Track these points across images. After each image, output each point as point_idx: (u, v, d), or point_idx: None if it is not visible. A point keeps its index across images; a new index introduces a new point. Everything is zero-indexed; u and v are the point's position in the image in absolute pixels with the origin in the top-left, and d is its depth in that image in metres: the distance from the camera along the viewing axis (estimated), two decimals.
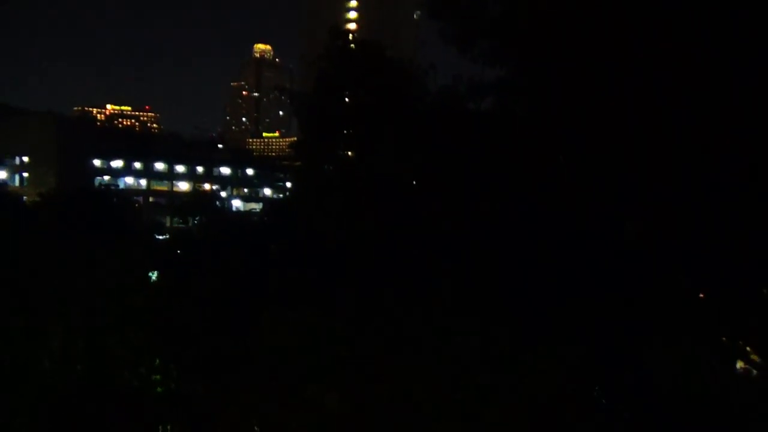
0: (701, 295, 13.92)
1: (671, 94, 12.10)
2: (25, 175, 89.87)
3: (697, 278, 13.48)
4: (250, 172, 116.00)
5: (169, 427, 17.49)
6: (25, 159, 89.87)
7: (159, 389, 17.30)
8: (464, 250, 14.02)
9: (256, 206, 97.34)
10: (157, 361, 17.52)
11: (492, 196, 14.12)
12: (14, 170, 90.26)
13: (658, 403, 12.40)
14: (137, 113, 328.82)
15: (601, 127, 13.12)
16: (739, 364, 14.22)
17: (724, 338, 13.99)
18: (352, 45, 18.35)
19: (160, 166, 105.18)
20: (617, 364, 12.60)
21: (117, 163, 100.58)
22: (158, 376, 17.56)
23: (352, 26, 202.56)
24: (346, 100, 17.63)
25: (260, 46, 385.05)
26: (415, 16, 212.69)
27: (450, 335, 11.73)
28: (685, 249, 12.48)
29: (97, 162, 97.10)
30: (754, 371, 13.62)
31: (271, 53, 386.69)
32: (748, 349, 13.80)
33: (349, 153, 19.23)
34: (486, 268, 13.39)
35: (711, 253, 12.46)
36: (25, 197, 63.31)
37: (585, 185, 13.08)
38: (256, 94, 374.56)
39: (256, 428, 14.30)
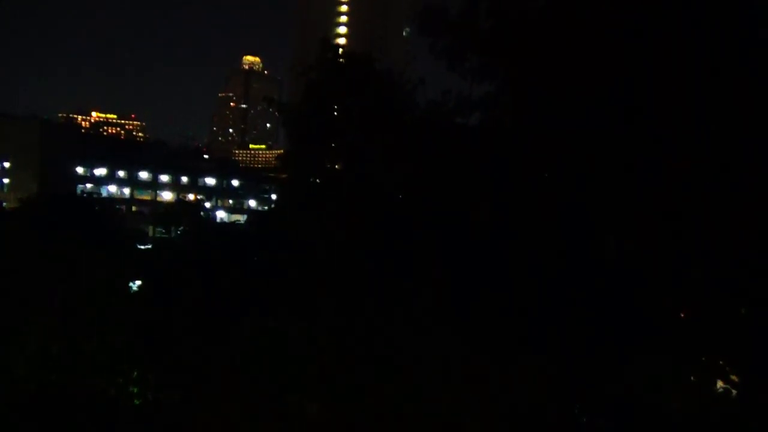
0: (681, 315, 14.07)
1: (658, 112, 12.34)
2: (6, 180, 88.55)
3: (677, 296, 13.64)
4: (235, 183, 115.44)
5: None
6: (6, 164, 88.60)
7: (136, 401, 16.98)
8: (447, 261, 14.06)
9: (241, 218, 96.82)
10: (135, 372, 17.21)
11: (477, 209, 14.21)
12: None
13: (637, 420, 12.45)
14: (122, 121, 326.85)
15: (586, 143, 13.31)
16: (719, 384, 14.35)
17: (703, 357, 14.13)
18: (342, 58, 18.47)
19: (144, 175, 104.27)
20: (597, 380, 12.65)
21: (100, 171, 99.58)
22: (135, 389, 17.24)
23: (342, 40, 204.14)
24: (335, 111, 17.70)
25: (249, 58, 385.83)
26: (404, 33, 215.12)
27: (431, 346, 11.71)
28: (666, 267, 12.64)
29: (80, 169, 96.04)
30: (734, 391, 13.74)
31: (260, 65, 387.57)
32: (727, 369, 13.93)
33: (336, 166, 19.24)
34: (469, 279, 13.43)
35: (691, 272, 12.64)
36: (4, 203, 62.31)
37: (569, 200, 13.22)
38: (243, 106, 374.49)
39: None
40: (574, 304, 12.84)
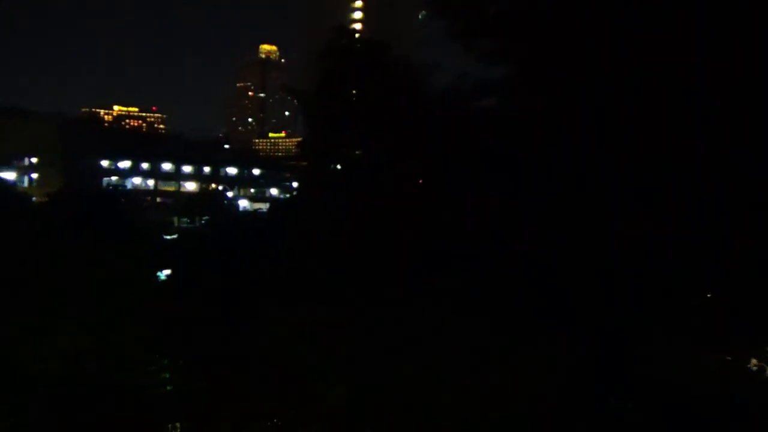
0: (711, 293, 13.84)
1: (681, 91, 12.06)
2: (34, 176, 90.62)
3: (705, 276, 13.43)
4: (256, 172, 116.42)
5: (177, 424, 17.60)
6: (34, 160, 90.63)
7: (168, 387, 17.42)
8: (466, 248, 14.04)
9: (263, 206, 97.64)
10: (165, 360, 17.64)
11: (495, 193, 14.13)
12: (23, 171, 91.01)
13: (666, 402, 12.33)
14: (144, 114, 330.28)
15: (606, 124, 13.10)
16: (753, 362, 14.08)
17: (735, 336, 13.88)
18: (357, 44, 18.41)
19: (167, 166, 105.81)
20: (621, 363, 12.57)
21: (124, 164, 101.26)
22: (167, 374, 17.68)
23: (357, 26, 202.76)
24: (352, 98, 17.70)
25: (266, 47, 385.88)
26: (419, 17, 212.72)
27: (453, 331, 11.75)
28: (693, 247, 12.43)
29: (104, 162, 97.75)
30: None
31: (277, 54, 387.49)
32: (761, 346, 13.66)
33: (356, 152, 19.29)
34: (490, 264, 13.40)
35: (719, 251, 12.41)
36: (33, 197, 63.77)
37: (589, 183, 13.05)
38: (261, 95, 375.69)
39: (267, 423, 14.38)
40: (600, 286, 12.74)
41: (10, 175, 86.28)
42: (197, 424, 16.57)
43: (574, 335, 11.91)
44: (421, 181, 16.86)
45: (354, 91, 17.76)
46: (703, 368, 12.66)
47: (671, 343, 12.66)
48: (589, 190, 12.96)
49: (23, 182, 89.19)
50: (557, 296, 12.57)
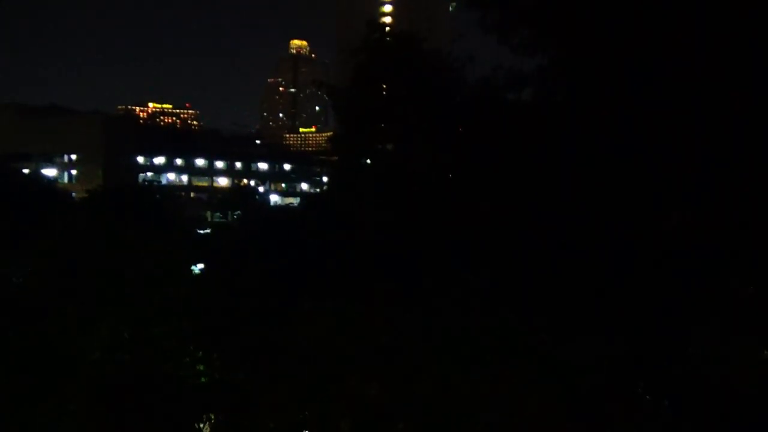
0: (752, 288, 13.41)
1: (724, 79, 11.66)
2: (74, 172, 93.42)
3: (749, 270, 13.01)
4: (287, 167, 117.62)
5: (212, 415, 17.94)
6: (74, 157, 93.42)
7: (203, 379, 17.76)
8: (503, 241, 13.87)
9: (294, 201, 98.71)
10: (200, 352, 17.97)
11: (532, 186, 13.91)
12: (64, 168, 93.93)
13: (705, 399, 12.02)
14: (178, 111, 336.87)
15: (645, 115, 12.76)
16: None
17: None
18: (389, 38, 18.31)
19: (200, 162, 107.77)
20: (663, 359, 12.27)
21: (159, 160, 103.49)
22: (202, 366, 18.03)
23: (387, 20, 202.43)
24: (384, 92, 17.62)
25: (296, 42, 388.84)
26: (450, 8, 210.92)
27: (489, 326, 11.65)
28: (736, 240, 12.04)
29: (140, 159, 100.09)
30: None
31: (307, 49, 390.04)
32: None
33: (388, 146, 19.22)
34: (527, 258, 13.22)
35: (762, 244, 12.00)
36: (74, 193, 65.76)
37: (629, 174, 12.74)
38: (292, 90, 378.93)
39: (300, 416, 14.54)
40: (638, 281, 12.46)
41: (51, 172, 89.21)
42: (231, 415, 16.86)
43: (612, 332, 11.67)
44: (453, 175, 16.72)
45: (386, 86, 17.67)
46: (743, 364, 12.29)
47: (711, 339, 12.32)
48: (627, 182, 12.66)
49: (64, 178, 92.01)
50: (596, 291, 12.33)
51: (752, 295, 13.29)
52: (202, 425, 17.78)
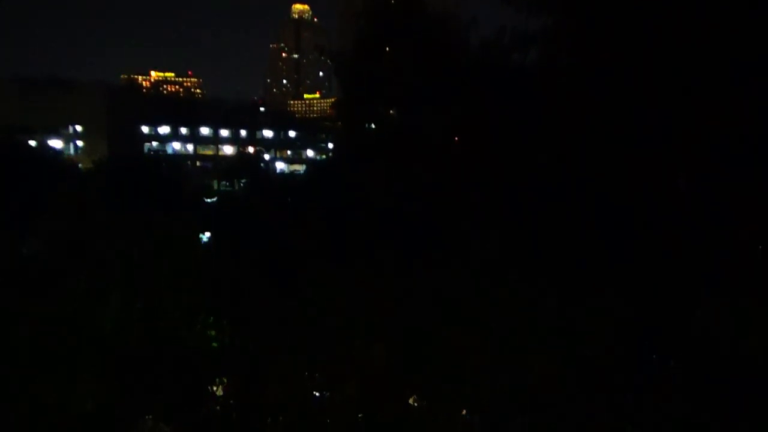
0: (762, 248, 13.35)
1: (734, 38, 11.39)
2: (79, 143, 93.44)
3: (757, 231, 12.93)
4: (292, 134, 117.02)
5: (225, 380, 18.30)
6: (78, 128, 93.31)
7: (214, 344, 18.06)
8: (509, 205, 13.85)
9: (300, 168, 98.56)
10: (211, 318, 18.23)
11: (539, 148, 13.79)
12: (69, 139, 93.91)
13: (713, 362, 12.10)
14: (180, 79, 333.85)
15: (654, 77, 12.52)
16: None
17: None
18: (392, 1, 17.94)
19: (205, 131, 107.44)
20: (670, 321, 12.33)
21: (164, 129, 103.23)
22: (213, 332, 18.30)
23: None
24: (387, 57, 17.35)
25: (298, 7, 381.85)
26: None
27: (496, 288, 11.73)
28: (741, 200, 11.95)
29: (145, 129, 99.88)
30: None
31: (310, 13, 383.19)
32: None
33: (391, 111, 19.03)
34: (534, 221, 13.21)
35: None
36: (80, 165, 65.94)
37: (637, 136, 12.59)
38: (295, 56, 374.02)
39: (310, 379, 14.83)
40: (647, 243, 12.43)
41: (57, 144, 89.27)
42: (242, 379, 17.20)
43: (621, 293, 11.72)
44: (459, 139, 16.59)
45: (389, 50, 17.40)
46: (752, 325, 12.33)
47: (719, 299, 12.35)
48: (635, 144, 12.52)
49: (69, 150, 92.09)
50: (604, 252, 12.34)
51: (762, 254, 13.27)
52: (215, 388, 18.18)
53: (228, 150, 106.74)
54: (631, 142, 12.51)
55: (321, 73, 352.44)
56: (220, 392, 17.30)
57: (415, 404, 13.30)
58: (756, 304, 12.18)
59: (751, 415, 11.03)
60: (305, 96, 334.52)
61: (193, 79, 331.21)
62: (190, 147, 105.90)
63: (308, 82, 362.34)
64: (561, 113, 13.87)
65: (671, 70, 12.19)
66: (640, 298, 11.86)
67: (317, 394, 14.42)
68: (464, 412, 12.94)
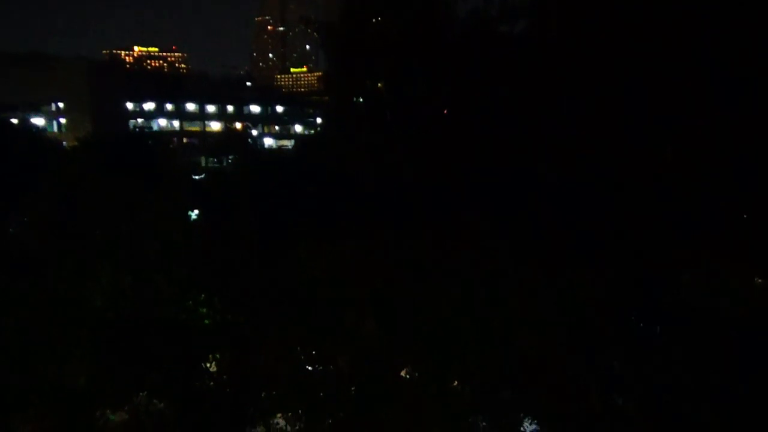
0: (744, 216, 13.51)
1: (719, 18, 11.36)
2: (62, 121, 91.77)
3: (739, 199, 13.08)
4: (279, 109, 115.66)
5: (218, 356, 18.42)
6: (61, 105, 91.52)
7: (206, 321, 18.11)
8: (497, 176, 13.88)
9: (288, 143, 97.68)
10: (203, 295, 18.24)
11: (525, 120, 13.78)
12: (51, 117, 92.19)
13: (696, 327, 12.32)
14: (164, 54, 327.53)
15: (637, 48, 12.49)
16: None
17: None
18: None
19: (191, 107, 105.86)
20: (653, 288, 12.53)
21: (149, 106, 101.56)
22: (204, 309, 18.34)
23: None
24: (374, 29, 17.12)
25: None
26: None
27: (481, 260, 11.81)
28: (723, 171, 12.06)
29: (129, 105, 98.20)
30: None
31: None
32: None
33: (379, 84, 18.85)
34: (518, 193, 13.27)
35: (748, 173, 12.03)
36: (64, 142, 64.87)
37: (624, 106, 12.61)
38: (281, 29, 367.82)
39: (302, 354, 14.96)
40: (629, 212, 12.55)
41: (39, 121, 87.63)
42: (236, 354, 17.32)
43: (605, 262, 11.86)
44: (448, 111, 16.52)
45: (375, 21, 17.16)
46: (733, 292, 12.54)
47: (701, 267, 12.54)
48: (623, 114, 12.54)
49: (53, 128, 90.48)
50: (590, 224, 12.45)
51: (745, 221, 13.44)
52: (208, 365, 18.29)
53: (215, 126, 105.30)
54: (619, 112, 12.54)
55: (308, 47, 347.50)
56: (213, 368, 17.42)
57: (407, 376, 13.47)
58: (739, 270, 12.39)
59: (738, 377, 11.28)
60: (292, 70, 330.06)
61: (177, 54, 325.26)
62: (176, 123, 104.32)
63: (294, 55, 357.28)
64: (551, 84, 13.83)
65: (660, 40, 12.16)
66: (627, 266, 12.02)
67: (310, 368, 14.57)
68: (455, 383, 13.15)
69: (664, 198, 12.20)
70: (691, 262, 12.37)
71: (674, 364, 11.29)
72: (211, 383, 16.09)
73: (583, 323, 11.22)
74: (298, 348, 14.68)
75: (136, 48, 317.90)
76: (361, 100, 19.23)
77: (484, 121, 15.05)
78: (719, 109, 12.06)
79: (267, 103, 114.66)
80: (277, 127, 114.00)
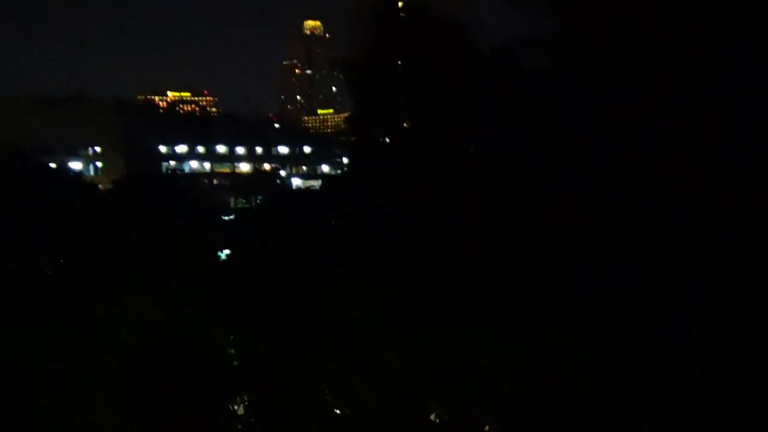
0: None
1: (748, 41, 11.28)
2: (99, 164, 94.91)
3: None
4: (307, 149, 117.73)
5: (246, 397, 18.30)
6: (98, 149, 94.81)
7: (235, 363, 18.11)
8: (526, 211, 13.74)
9: (315, 183, 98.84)
10: (231, 335, 18.30)
11: (551, 153, 13.71)
12: (88, 160, 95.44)
13: (733, 358, 11.78)
14: (196, 98, 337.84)
15: (667, 76, 12.41)
16: None
17: None
18: (401, 10, 18.05)
19: (221, 148, 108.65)
20: (688, 319, 12.07)
21: (181, 148, 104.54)
22: (232, 349, 18.37)
23: None
24: (397, 66, 17.44)
25: (310, 23, 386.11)
26: None
27: (511, 293, 11.61)
28: (757, 191, 11.71)
29: (162, 148, 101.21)
30: None
31: (321, 29, 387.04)
32: None
33: (404, 123, 19.07)
34: (550, 228, 13.09)
35: None
36: (100, 185, 66.86)
37: (651, 137, 12.46)
38: (308, 72, 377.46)
39: (330, 393, 14.77)
40: (661, 240, 12.23)
41: (77, 165, 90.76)
42: (264, 396, 17.18)
43: (633, 293, 11.52)
44: (472, 146, 16.56)
45: (398, 57, 17.49)
46: None
47: (738, 298, 12.05)
48: (650, 145, 12.39)
49: (89, 171, 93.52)
50: (618, 253, 12.17)
51: None
52: (236, 407, 18.17)
53: (244, 167, 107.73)
54: (645, 139, 12.38)
55: (334, 89, 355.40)
56: (241, 411, 17.30)
57: (437, 420, 13.17)
58: None
59: None
60: (319, 111, 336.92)
61: (208, 98, 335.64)
62: (207, 165, 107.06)
63: (321, 97, 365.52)
64: (576, 117, 13.79)
65: (682, 69, 12.07)
66: (654, 294, 11.63)
67: (338, 411, 14.34)
68: (486, 429, 12.79)
69: (697, 222, 11.88)
70: (730, 292, 11.92)
71: (712, 403, 10.78)
72: (239, 426, 15.98)
73: (616, 357, 10.85)
74: (326, 389, 14.50)
75: (169, 93, 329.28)
76: (386, 139, 19.46)
77: (512, 156, 15.03)
78: (754, 137, 11.81)
79: (295, 144, 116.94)
80: (304, 168, 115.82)
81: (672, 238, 11.88)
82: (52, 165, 75.34)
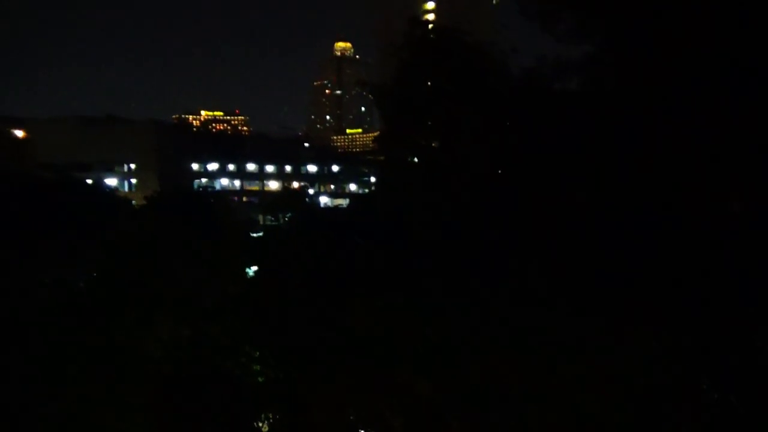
0: None
1: None
2: (133, 181, 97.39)
3: None
4: (335, 168, 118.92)
5: (270, 415, 18.30)
6: (132, 166, 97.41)
7: (260, 379, 18.15)
8: (556, 235, 13.54)
9: (343, 202, 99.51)
10: (257, 352, 18.39)
11: (583, 177, 13.52)
12: (123, 177, 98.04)
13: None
14: (228, 117, 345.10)
15: (701, 99, 12.18)
16: None
17: None
18: (431, 34, 18.19)
19: (251, 167, 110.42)
20: (726, 351, 11.66)
21: (213, 166, 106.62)
22: (257, 366, 18.42)
23: (430, 17, 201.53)
24: (427, 89, 17.52)
25: (340, 44, 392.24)
26: (493, 1, 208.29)
27: (541, 318, 11.39)
28: None
29: (195, 165, 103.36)
30: None
31: (351, 50, 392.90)
32: None
33: (432, 144, 19.10)
34: (581, 252, 12.85)
35: None
36: (133, 201, 68.43)
37: (687, 163, 12.20)
38: (338, 92, 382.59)
39: (351, 417, 14.65)
40: (700, 271, 11.90)
41: (112, 181, 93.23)
42: (289, 414, 17.13)
43: (671, 325, 11.20)
44: (502, 169, 16.46)
45: (429, 81, 17.58)
46: None
47: None
48: (686, 171, 12.13)
49: (124, 187, 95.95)
50: (654, 285, 11.86)
51: None
52: (260, 424, 18.15)
53: (273, 185, 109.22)
54: (683, 168, 12.12)
55: (363, 109, 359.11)
56: (265, 429, 17.27)
57: None
58: None
59: None
60: (348, 131, 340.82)
61: (240, 117, 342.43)
62: (237, 183, 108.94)
63: (350, 117, 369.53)
64: (608, 141, 13.61)
65: (719, 94, 11.84)
66: (696, 328, 11.29)
67: None
68: None
69: (736, 251, 11.53)
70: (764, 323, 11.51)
71: None
72: None
73: (649, 386, 10.52)
74: (351, 409, 14.38)
75: (203, 112, 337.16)
76: (415, 159, 19.49)
77: (542, 180, 14.88)
78: None
79: (323, 163, 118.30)
80: (332, 186, 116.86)
81: (717, 265, 11.55)
82: (89, 181, 77.54)
